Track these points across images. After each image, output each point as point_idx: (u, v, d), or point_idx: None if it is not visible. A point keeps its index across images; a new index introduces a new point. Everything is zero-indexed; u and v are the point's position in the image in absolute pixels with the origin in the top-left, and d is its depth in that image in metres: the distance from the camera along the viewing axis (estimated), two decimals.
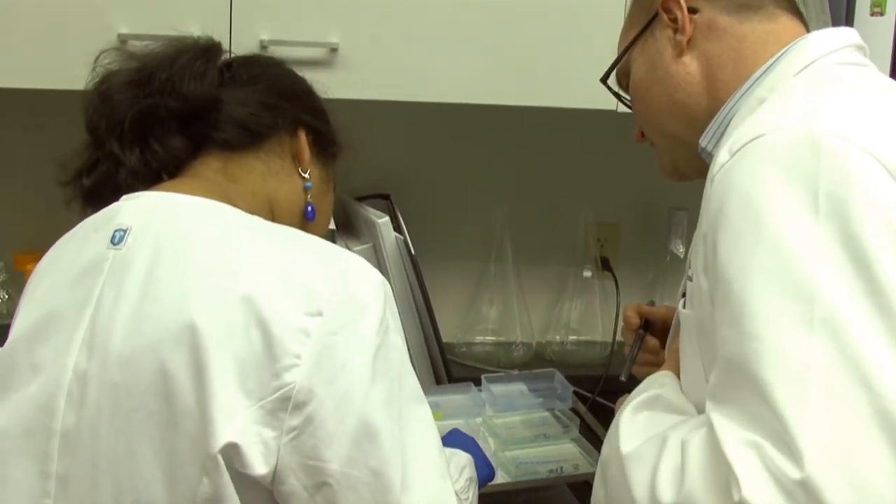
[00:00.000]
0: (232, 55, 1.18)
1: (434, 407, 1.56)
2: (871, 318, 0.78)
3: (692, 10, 1.09)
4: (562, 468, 1.49)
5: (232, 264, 0.93)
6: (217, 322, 0.89)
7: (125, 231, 0.97)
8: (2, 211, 1.86)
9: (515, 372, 1.85)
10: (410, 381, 0.96)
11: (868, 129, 0.87)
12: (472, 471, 1.15)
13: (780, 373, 0.79)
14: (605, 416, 1.66)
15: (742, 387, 0.81)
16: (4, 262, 1.84)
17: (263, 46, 1.54)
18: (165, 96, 1.06)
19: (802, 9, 1.13)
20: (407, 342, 1.04)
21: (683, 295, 1.03)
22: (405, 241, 1.68)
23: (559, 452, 1.55)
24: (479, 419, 1.62)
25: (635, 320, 1.35)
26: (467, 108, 1.72)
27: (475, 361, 1.98)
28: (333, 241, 1.68)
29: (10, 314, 1.13)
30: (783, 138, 0.87)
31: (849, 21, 1.73)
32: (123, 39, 1.49)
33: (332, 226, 1.68)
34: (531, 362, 2.00)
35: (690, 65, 1.09)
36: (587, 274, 2.06)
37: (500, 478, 1.45)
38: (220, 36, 1.16)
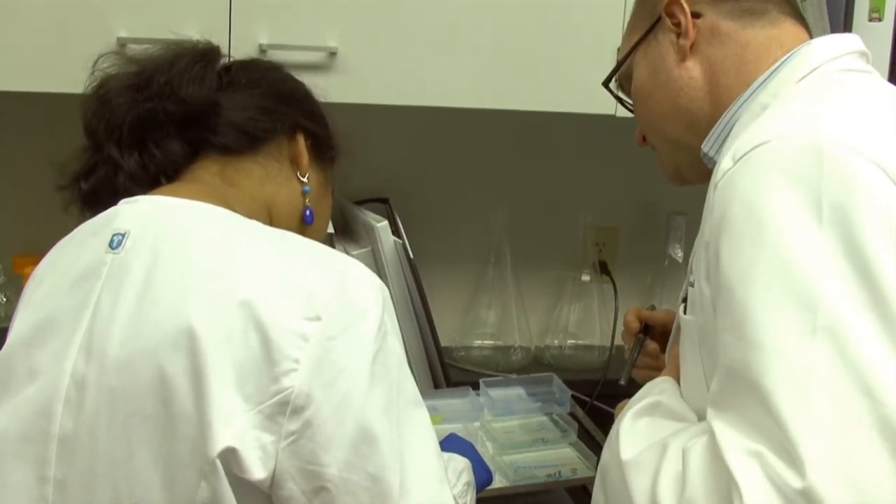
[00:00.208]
0: (231, 59, 1.18)
1: (432, 411, 1.56)
2: (873, 327, 0.78)
3: (695, 15, 1.08)
4: (560, 472, 1.49)
5: (230, 269, 0.92)
6: (215, 326, 0.88)
7: (123, 235, 0.97)
8: (0, 213, 1.86)
9: (514, 376, 1.85)
10: (409, 386, 0.96)
11: (871, 137, 0.86)
12: (469, 475, 1.15)
13: (783, 381, 0.78)
14: (604, 421, 1.66)
15: (744, 394, 0.81)
16: (2, 265, 1.84)
17: (262, 50, 1.54)
18: (164, 100, 1.06)
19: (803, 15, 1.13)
20: (405, 346, 1.05)
21: (684, 300, 1.03)
22: (404, 245, 1.68)
23: (557, 457, 1.54)
24: (477, 423, 1.62)
25: (635, 324, 1.35)
26: (466, 113, 1.72)
27: (473, 365, 1.98)
28: (332, 245, 1.68)
29: (9, 317, 1.13)
30: (786, 146, 0.86)
31: (847, 26, 1.73)
32: (123, 43, 1.49)
33: (330, 230, 1.68)
34: (529, 366, 2.00)
35: (693, 69, 1.09)
36: (585, 278, 2.06)
37: (499, 482, 1.45)
38: (219, 40, 1.16)
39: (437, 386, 1.75)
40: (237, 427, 0.87)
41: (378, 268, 1.69)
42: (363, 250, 1.72)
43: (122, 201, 1.02)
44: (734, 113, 1.04)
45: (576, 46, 1.65)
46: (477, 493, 1.19)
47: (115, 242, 0.97)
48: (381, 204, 1.83)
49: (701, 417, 0.90)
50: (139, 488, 0.89)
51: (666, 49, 1.11)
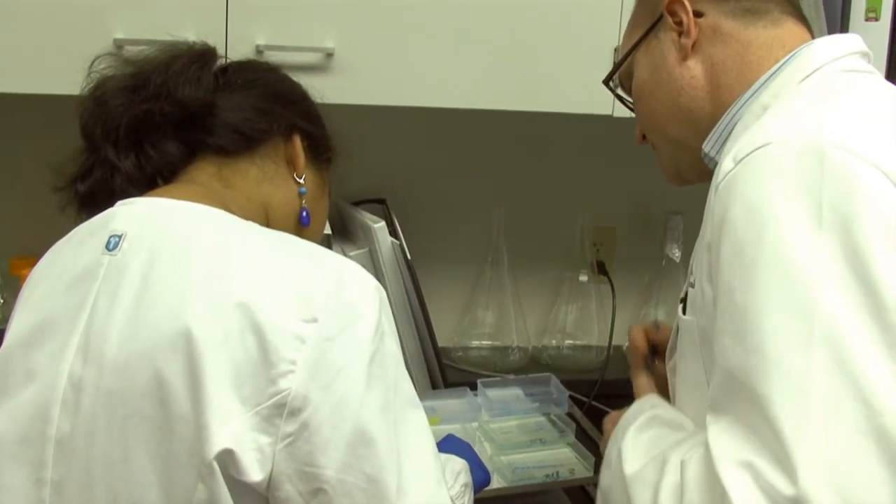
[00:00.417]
0: (227, 60, 1.18)
1: (430, 411, 1.57)
2: (871, 334, 0.78)
3: (697, 14, 1.08)
4: (558, 473, 1.49)
5: (227, 270, 0.92)
6: (212, 328, 0.88)
7: (120, 237, 0.97)
8: None
9: (511, 376, 1.85)
10: (406, 387, 0.96)
11: (873, 140, 0.86)
12: (467, 476, 1.15)
13: (780, 387, 0.79)
14: (601, 421, 1.66)
15: (741, 399, 0.81)
16: (0, 266, 1.84)
17: (259, 51, 1.54)
18: (160, 101, 1.06)
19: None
20: (403, 347, 1.05)
21: (682, 301, 1.03)
22: (401, 246, 1.68)
23: (555, 457, 1.55)
24: (475, 424, 1.62)
25: (644, 347, 1.30)
26: (463, 113, 1.72)
27: (471, 366, 1.98)
28: (329, 246, 1.69)
29: (6, 319, 1.13)
30: (788, 149, 0.86)
31: (843, 26, 1.73)
32: (119, 45, 1.49)
33: (327, 231, 1.68)
34: (527, 367, 2.00)
35: (695, 68, 1.08)
36: (583, 278, 2.06)
37: (496, 482, 1.45)
38: (216, 41, 1.16)
39: (434, 386, 1.75)
40: (234, 429, 0.87)
41: (375, 269, 1.69)
42: (360, 251, 1.72)
43: (119, 203, 1.02)
44: (735, 113, 1.04)
45: (572, 47, 1.65)
46: (475, 493, 1.19)
47: (112, 244, 0.97)
48: (379, 205, 1.83)
49: (700, 419, 0.90)
50: (136, 490, 0.89)
51: (667, 48, 1.10)
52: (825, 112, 0.91)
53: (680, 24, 1.09)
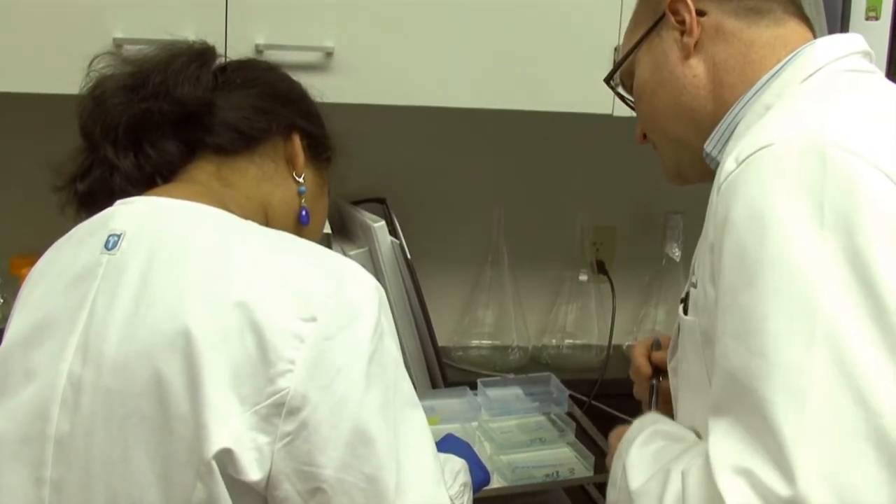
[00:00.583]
0: (227, 59, 1.18)
1: (430, 411, 1.57)
2: (872, 336, 0.78)
3: (700, 13, 1.07)
4: (558, 472, 1.49)
5: (226, 269, 0.92)
6: (211, 327, 0.88)
7: (119, 236, 0.97)
8: None
9: (511, 376, 1.85)
10: (405, 387, 0.96)
11: (875, 141, 0.86)
12: (466, 476, 1.15)
13: (780, 389, 0.79)
14: (602, 420, 1.66)
15: (742, 400, 0.82)
16: (0, 266, 1.84)
17: (259, 51, 1.54)
18: (159, 100, 1.06)
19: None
20: (403, 346, 1.05)
21: (683, 301, 1.03)
22: (401, 245, 1.68)
23: (555, 456, 1.54)
24: (475, 423, 1.62)
25: (647, 370, 1.30)
26: (463, 112, 1.72)
27: (471, 365, 1.98)
28: (329, 245, 1.68)
29: (6, 318, 1.13)
30: (790, 149, 0.86)
31: (844, 25, 1.73)
32: (119, 44, 1.49)
33: (327, 230, 1.68)
34: (527, 366, 2.00)
35: (697, 68, 1.08)
36: (583, 278, 2.06)
37: (496, 482, 1.45)
38: (215, 40, 1.16)
39: (434, 386, 1.75)
40: (233, 428, 0.86)
41: (375, 268, 1.69)
42: (360, 250, 1.72)
43: (118, 202, 1.02)
44: (737, 112, 1.04)
45: (572, 46, 1.65)
46: (474, 492, 1.19)
47: (111, 243, 0.97)
48: (378, 204, 1.83)
49: (701, 420, 0.90)
50: (135, 489, 0.89)
51: (669, 46, 1.10)
52: (827, 112, 0.91)
53: (682, 22, 1.08)
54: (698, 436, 0.99)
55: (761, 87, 1.03)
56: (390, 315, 0.97)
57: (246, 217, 1.01)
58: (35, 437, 0.94)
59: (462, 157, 2.03)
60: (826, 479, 0.75)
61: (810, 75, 1.00)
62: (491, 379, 1.77)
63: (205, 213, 0.99)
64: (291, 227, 1.12)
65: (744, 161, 0.89)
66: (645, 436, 1.02)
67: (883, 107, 0.96)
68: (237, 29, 1.54)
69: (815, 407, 0.77)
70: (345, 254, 1.67)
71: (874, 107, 0.96)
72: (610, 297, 2.04)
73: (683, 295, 1.04)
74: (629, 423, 1.10)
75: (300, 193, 1.13)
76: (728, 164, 0.91)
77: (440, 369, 1.74)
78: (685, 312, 1.02)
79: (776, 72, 1.03)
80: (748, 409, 0.80)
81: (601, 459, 1.39)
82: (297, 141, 1.13)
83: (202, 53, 1.11)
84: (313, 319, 0.89)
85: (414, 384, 0.99)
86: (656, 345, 1.33)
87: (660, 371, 1.30)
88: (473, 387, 1.70)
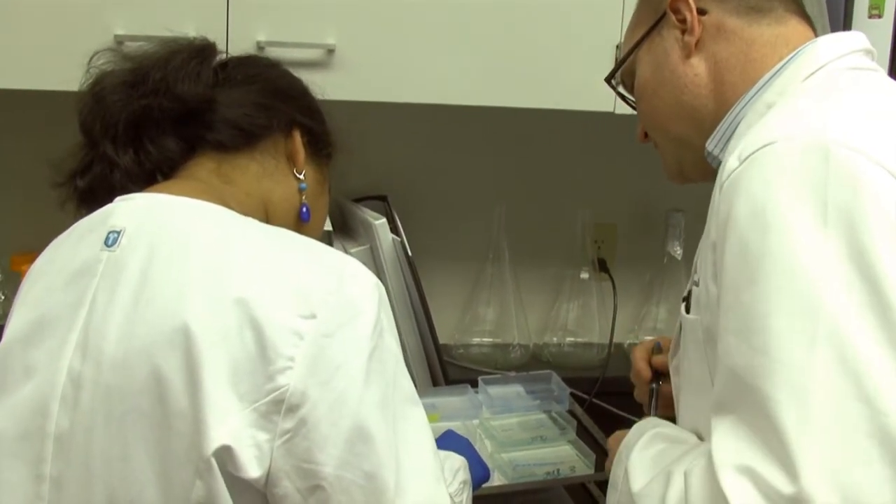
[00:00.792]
0: (228, 56, 1.17)
1: (431, 409, 1.57)
2: (876, 334, 0.78)
3: (701, 12, 1.07)
4: (558, 470, 1.49)
5: (226, 266, 0.92)
6: (210, 324, 0.88)
7: (119, 233, 0.97)
8: None
9: (512, 374, 1.85)
10: (405, 384, 0.96)
11: (878, 139, 0.86)
12: (465, 473, 1.14)
13: (783, 387, 0.79)
14: (603, 419, 1.66)
15: (746, 399, 0.82)
16: (0, 263, 1.84)
17: (260, 47, 1.54)
18: (159, 97, 1.06)
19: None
20: (404, 344, 1.05)
21: (685, 299, 1.03)
22: (402, 243, 1.68)
23: (556, 454, 1.54)
24: (475, 421, 1.62)
25: (647, 373, 1.31)
26: (464, 110, 1.72)
27: (472, 363, 1.98)
28: (330, 242, 1.68)
29: (6, 315, 1.13)
30: (793, 147, 0.86)
31: (847, 24, 1.73)
32: (120, 40, 1.49)
33: (328, 227, 1.67)
34: (528, 364, 2.00)
35: (698, 66, 1.08)
36: (584, 275, 2.06)
37: (497, 480, 1.45)
38: (216, 37, 1.16)
39: (435, 384, 1.75)
40: (232, 425, 0.86)
41: (376, 265, 1.69)
42: (361, 248, 1.72)
43: (118, 199, 1.02)
44: (739, 111, 1.03)
45: (573, 43, 1.65)
46: (474, 489, 1.19)
47: (111, 240, 0.97)
48: (380, 201, 1.83)
49: (703, 418, 0.90)
50: (135, 486, 0.89)
51: (671, 45, 1.10)
52: (829, 110, 0.91)
53: (683, 21, 1.08)
54: (699, 437, 0.99)
55: (763, 85, 1.03)
56: (390, 312, 0.96)
57: (246, 214, 1.01)
58: (35, 434, 0.94)
59: (463, 154, 2.02)
60: (830, 476, 0.75)
61: (812, 73, 1.00)
62: (492, 376, 1.77)
63: (205, 210, 0.99)
64: (292, 223, 1.11)
65: (746, 159, 0.89)
66: (645, 439, 1.02)
67: (885, 104, 0.96)
68: (238, 26, 1.54)
69: (818, 405, 0.77)
70: (346, 251, 1.67)
71: (876, 104, 0.95)
72: (611, 294, 2.03)
73: (685, 293, 1.03)
74: (630, 423, 1.10)
75: (301, 190, 1.13)
76: (730, 163, 0.91)
77: (441, 367, 1.73)
78: (687, 311, 1.02)
79: (778, 70, 1.02)
80: (751, 408, 0.80)
81: (602, 457, 1.39)
82: (297, 137, 1.12)
83: (203, 50, 1.11)
84: (313, 316, 0.89)
85: (414, 382, 0.99)
86: (657, 348, 1.33)
87: (660, 375, 1.30)
88: (474, 384, 1.70)
